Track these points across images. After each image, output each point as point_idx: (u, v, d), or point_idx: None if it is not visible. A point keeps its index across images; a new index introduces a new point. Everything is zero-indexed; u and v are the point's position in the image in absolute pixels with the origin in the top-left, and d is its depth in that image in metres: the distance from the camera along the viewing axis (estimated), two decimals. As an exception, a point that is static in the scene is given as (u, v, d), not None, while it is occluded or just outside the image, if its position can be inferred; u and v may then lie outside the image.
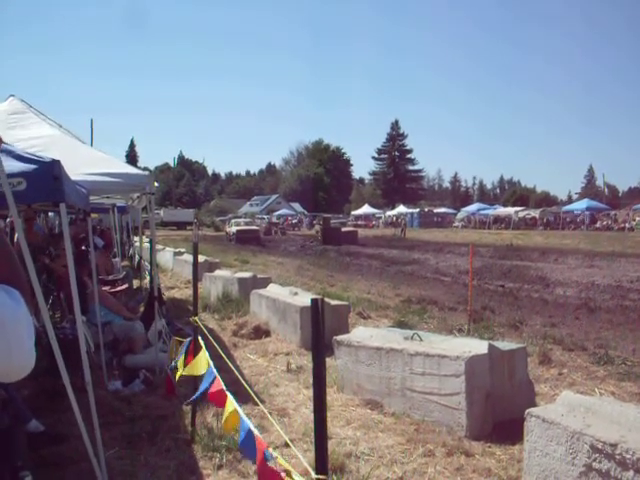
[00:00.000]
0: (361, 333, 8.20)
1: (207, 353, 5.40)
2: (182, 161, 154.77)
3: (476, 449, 5.83)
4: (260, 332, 11.36)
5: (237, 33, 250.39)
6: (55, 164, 4.73)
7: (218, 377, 4.72)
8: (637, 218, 62.91)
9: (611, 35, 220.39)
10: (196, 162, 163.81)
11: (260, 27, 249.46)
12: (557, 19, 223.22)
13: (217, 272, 17.28)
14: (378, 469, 5.45)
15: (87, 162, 8.12)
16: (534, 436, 4.61)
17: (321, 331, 2.37)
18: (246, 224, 62.77)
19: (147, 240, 18.15)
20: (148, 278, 14.81)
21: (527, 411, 4.73)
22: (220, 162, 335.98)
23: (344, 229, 57.94)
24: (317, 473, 2.49)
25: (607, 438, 3.95)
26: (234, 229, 56.22)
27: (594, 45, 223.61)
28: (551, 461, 4.42)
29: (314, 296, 2.51)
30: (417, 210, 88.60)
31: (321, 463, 2.49)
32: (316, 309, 2.35)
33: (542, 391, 7.79)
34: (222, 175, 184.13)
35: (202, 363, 5.27)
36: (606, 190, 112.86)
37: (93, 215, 13.06)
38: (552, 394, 7.53)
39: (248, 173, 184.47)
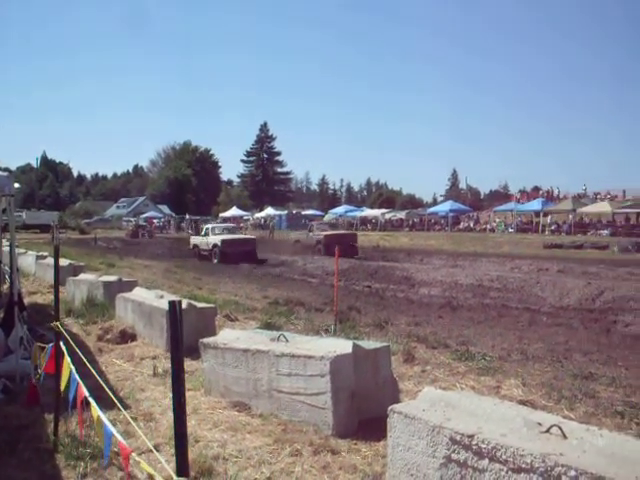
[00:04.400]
0: (228, 335, 8.18)
1: (69, 359, 5.28)
2: (46, 162, 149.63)
3: (342, 447, 5.92)
4: (126, 336, 11.16)
5: (103, 32, 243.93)
6: None
7: (81, 383, 4.62)
8: (497, 219, 65.56)
9: (479, 35, 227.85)
10: (60, 163, 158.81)
11: (125, 25, 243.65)
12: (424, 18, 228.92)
13: (82, 276, 16.81)
14: (246, 470, 5.45)
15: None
16: (397, 431, 4.71)
17: (180, 333, 2.36)
18: (229, 231, 41.22)
19: (7, 243, 17.49)
20: (8, 283, 14.28)
21: (390, 408, 4.83)
22: (86, 163, 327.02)
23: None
24: (178, 476, 2.48)
25: (465, 430, 4.09)
26: (216, 239, 36.98)
27: (464, 46, 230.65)
28: (413, 455, 4.53)
29: (165, 295, 2.50)
30: (285, 212, 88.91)
31: (182, 465, 2.48)
32: (174, 311, 2.34)
33: (406, 388, 7.98)
34: (88, 176, 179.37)
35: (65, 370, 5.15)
36: (469, 193, 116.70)
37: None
38: (416, 390, 7.70)
39: (115, 175, 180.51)
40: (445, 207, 73.34)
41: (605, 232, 49.66)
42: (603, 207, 55.48)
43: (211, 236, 38.04)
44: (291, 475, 5.35)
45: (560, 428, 3.90)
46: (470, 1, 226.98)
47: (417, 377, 8.69)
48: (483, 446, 3.90)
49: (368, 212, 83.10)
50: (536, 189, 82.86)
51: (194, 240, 41.51)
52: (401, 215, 76.50)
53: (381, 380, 6.85)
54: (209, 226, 42.23)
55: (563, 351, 11.20)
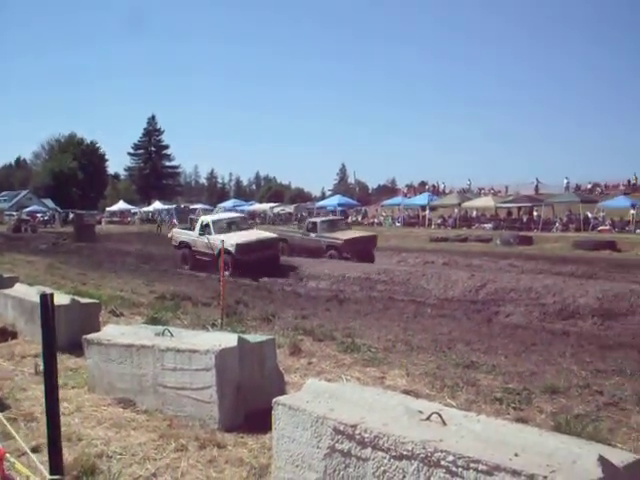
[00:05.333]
0: (112, 331, 8.03)
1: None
2: None
3: (229, 440, 5.91)
4: (6, 334, 10.82)
5: None
6: None
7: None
8: (384, 213, 66.76)
9: (373, 25, 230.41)
10: None
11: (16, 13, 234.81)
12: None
13: (-42, 272, 16.19)
14: (130, 467, 5.37)
15: None
16: (282, 423, 4.72)
17: (52, 326, 2.30)
18: (237, 225, 28.60)
19: None
20: None
21: (274, 400, 4.84)
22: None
23: None
24: (51, 474, 2.42)
25: (348, 420, 4.14)
26: (227, 242, 22.51)
27: (351, 34, 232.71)
28: (298, 446, 4.56)
29: (48, 291, 2.44)
30: (173, 206, 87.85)
31: (56, 464, 2.43)
32: (46, 304, 2.27)
33: (293, 380, 8.01)
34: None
35: None
36: (357, 187, 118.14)
37: None
38: (302, 383, 7.70)
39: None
40: (333, 201, 74.16)
41: (488, 226, 51.41)
42: (487, 202, 57.35)
43: (214, 235, 25.40)
44: (176, 470, 5.30)
45: (440, 415, 3.99)
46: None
47: (303, 369, 8.76)
48: (366, 435, 3.96)
49: (257, 206, 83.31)
50: (422, 184, 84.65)
51: (181, 236, 28.79)
52: (290, 209, 76.78)
53: (267, 373, 6.87)
54: (209, 219, 28.42)
55: (446, 341, 11.50)
